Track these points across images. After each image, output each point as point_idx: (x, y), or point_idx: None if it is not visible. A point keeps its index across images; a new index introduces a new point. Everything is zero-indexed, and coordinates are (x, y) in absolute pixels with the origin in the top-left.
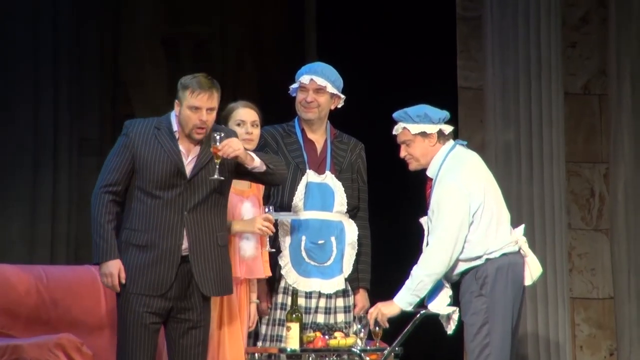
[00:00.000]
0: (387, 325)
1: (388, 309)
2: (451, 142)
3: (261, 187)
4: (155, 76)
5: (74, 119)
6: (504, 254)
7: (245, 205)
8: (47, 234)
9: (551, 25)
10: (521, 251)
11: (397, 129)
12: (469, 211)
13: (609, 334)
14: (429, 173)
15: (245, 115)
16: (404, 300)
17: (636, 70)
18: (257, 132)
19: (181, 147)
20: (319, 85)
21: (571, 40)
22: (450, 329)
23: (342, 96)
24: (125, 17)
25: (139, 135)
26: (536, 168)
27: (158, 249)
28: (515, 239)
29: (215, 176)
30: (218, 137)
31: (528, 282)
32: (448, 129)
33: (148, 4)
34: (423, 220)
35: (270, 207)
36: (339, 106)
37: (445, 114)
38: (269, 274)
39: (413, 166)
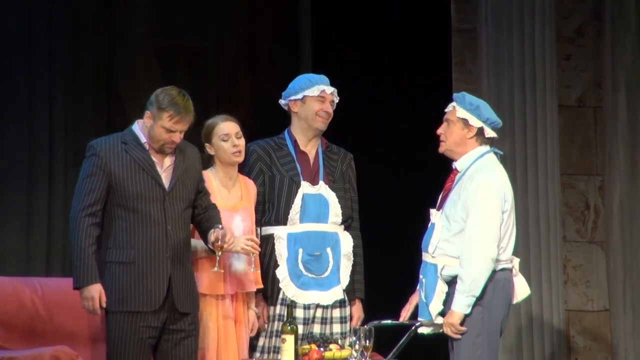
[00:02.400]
0: (460, 331)
1: (453, 319)
2: (488, 146)
3: (252, 199)
4: (150, 89)
5: (69, 131)
6: (502, 269)
7: (236, 220)
8: (43, 247)
9: (546, 37)
10: (513, 270)
11: (450, 106)
12: (503, 207)
13: (604, 346)
14: (459, 166)
15: (228, 128)
16: (463, 304)
17: (631, 83)
18: (242, 142)
19: (154, 158)
20: (334, 98)
21: (566, 52)
22: (425, 330)
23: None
24: (120, 29)
25: (109, 153)
26: (531, 180)
27: (145, 264)
28: (511, 257)
29: (215, 269)
30: (220, 230)
31: (513, 301)
32: (490, 133)
33: (142, 17)
34: (435, 212)
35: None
36: None
37: (497, 120)
38: (261, 285)
39: (442, 148)
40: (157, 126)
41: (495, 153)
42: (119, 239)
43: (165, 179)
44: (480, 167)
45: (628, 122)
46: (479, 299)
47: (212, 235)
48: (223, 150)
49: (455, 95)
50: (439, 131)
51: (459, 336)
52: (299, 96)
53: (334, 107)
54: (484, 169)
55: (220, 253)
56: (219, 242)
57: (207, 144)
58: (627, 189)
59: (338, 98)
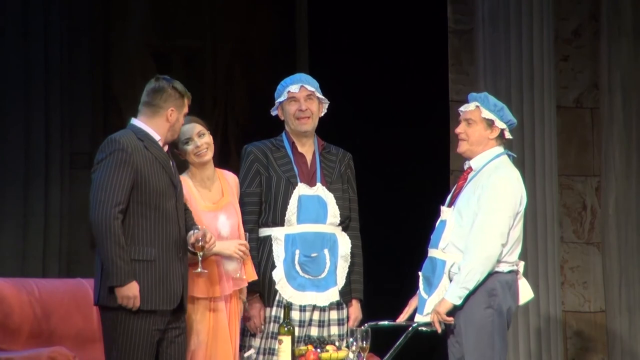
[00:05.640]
0: (450, 320)
1: (441, 307)
2: (502, 148)
3: (235, 191)
4: None
5: (65, 133)
6: (510, 271)
7: (221, 219)
8: (39, 248)
9: (543, 38)
10: (518, 273)
11: (468, 106)
12: (517, 208)
13: (601, 347)
14: (474, 164)
15: (188, 131)
16: (454, 294)
17: (627, 84)
18: (205, 139)
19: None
20: (309, 91)
21: (563, 53)
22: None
23: (327, 100)
24: (116, 31)
25: (134, 149)
26: (528, 181)
27: (165, 262)
28: (517, 260)
29: (199, 270)
30: (199, 231)
31: (519, 302)
32: (508, 135)
33: (139, 18)
34: (445, 209)
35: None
36: (322, 114)
37: (515, 121)
38: (255, 277)
39: (462, 148)
40: (181, 116)
41: (508, 155)
42: (140, 237)
43: (175, 177)
44: (499, 166)
45: (624, 123)
46: (489, 300)
47: (192, 237)
48: (187, 154)
49: (475, 95)
50: (459, 130)
51: (450, 320)
52: (277, 105)
53: (322, 100)
54: (502, 168)
55: (201, 254)
56: (200, 243)
57: (176, 151)
58: (623, 190)
59: (313, 90)
